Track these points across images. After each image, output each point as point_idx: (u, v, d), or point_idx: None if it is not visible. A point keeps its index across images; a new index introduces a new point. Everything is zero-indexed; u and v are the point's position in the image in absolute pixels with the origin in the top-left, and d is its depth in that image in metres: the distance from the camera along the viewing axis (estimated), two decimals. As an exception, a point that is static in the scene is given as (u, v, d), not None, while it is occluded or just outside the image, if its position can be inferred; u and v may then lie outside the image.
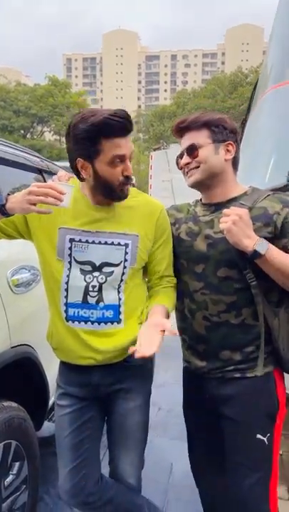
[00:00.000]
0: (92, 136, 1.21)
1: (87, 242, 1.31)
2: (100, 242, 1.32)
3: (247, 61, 75.63)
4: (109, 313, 1.34)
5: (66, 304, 1.34)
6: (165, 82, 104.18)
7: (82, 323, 1.34)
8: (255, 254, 1.21)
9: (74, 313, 1.34)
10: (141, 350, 1.15)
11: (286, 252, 1.26)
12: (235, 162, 1.39)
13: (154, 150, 12.18)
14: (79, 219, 1.32)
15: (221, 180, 1.37)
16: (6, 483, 1.53)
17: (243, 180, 2.56)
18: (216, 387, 1.38)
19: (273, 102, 2.24)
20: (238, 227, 1.22)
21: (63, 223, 1.32)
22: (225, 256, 1.31)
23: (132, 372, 1.40)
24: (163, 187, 10.59)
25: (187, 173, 1.39)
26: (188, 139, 1.37)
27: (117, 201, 1.33)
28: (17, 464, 1.59)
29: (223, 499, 1.46)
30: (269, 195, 1.33)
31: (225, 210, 1.27)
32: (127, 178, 1.28)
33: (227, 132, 1.36)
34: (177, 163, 1.44)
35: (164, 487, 2.18)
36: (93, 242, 1.31)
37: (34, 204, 1.17)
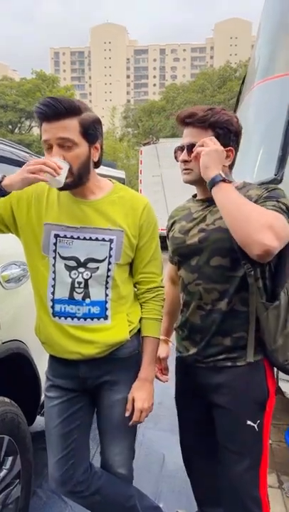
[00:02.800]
0: (39, 124, 1.26)
1: (72, 237, 1.32)
2: (84, 238, 1.32)
3: (236, 55, 75.59)
4: (95, 310, 1.35)
5: (53, 300, 1.35)
6: (154, 77, 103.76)
7: (69, 319, 1.35)
8: (216, 178, 1.24)
9: (60, 309, 1.35)
10: (135, 418, 1.39)
11: None
12: (232, 165, 1.41)
13: (144, 145, 12.10)
14: (63, 214, 1.33)
15: None
16: (-1, 477, 1.54)
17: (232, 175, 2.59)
18: (207, 376, 1.42)
19: (260, 96, 2.25)
20: (211, 155, 1.27)
21: (48, 219, 1.33)
22: (218, 245, 1.34)
23: (119, 364, 1.42)
24: (153, 182, 10.58)
25: (184, 169, 1.40)
26: (190, 135, 1.36)
27: (61, 190, 1.29)
28: (10, 458, 1.60)
29: (214, 487, 1.52)
30: (261, 185, 1.36)
31: (205, 139, 1.30)
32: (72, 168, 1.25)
33: (231, 136, 1.36)
34: (175, 155, 1.44)
35: (156, 478, 2.21)
36: (78, 238, 1.32)
37: (33, 173, 1.18)
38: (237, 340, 1.37)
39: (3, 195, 1.22)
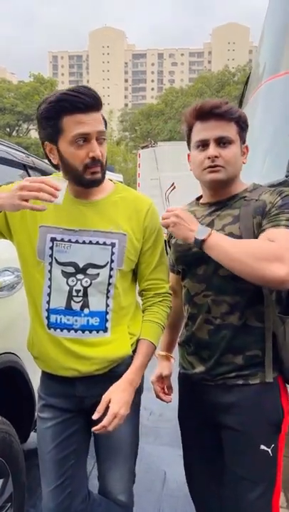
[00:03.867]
0: (52, 115, 1.14)
1: (69, 241, 1.20)
2: (83, 242, 1.20)
3: (233, 60, 76.10)
4: (94, 321, 1.23)
5: (48, 310, 1.23)
6: (152, 81, 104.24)
7: (65, 331, 1.22)
8: (196, 242, 1.17)
9: (56, 319, 1.22)
10: (104, 422, 1.16)
11: (262, 232, 1.19)
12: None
13: (142, 148, 12.04)
14: (61, 216, 1.21)
15: (234, 181, 1.29)
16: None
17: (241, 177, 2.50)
18: (216, 395, 1.29)
19: (267, 95, 2.17)
20: (178, 226, 1.20)
21: (44, 221, 1.21)
22: None
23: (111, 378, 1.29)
24: (151, 185, 10.50)
25: (212, 166, 1.24)
26: (218, 128, 1.22)
27: (90, 187, 1.21)
28: (1, 481, 1.48)
29: (218, 509, 1.39)
30: (274, 189, 1.25)
31: (164, 214, 1.26)
32: (94, 161, 1.16)
33: (246, 133, 1.29)
34: (194, 153, 1.30)
35: (157, 497, 2.09)
36: (76, 242, 1.20)
37: (26, 200, 1.06)
38: (250, 358, 1.24)
39: None
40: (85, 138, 1.13)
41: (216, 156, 1.22)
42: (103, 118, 1.20)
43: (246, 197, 1.25)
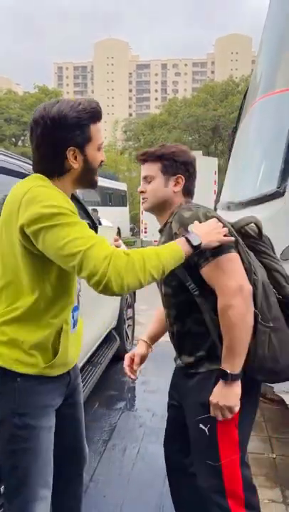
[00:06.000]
0: (84, 123, 1.24)
1: None
2: None
3: (236, 70, 76.53)
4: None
5: (73, 309, 1.38)
6: (156, 91, 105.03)
7: (76, 324, 1.43)
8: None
9: (74, 317, 1.40)
10: None
11: None
12: (186, 191, 1.52)
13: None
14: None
15: (170, 208, 1.50)
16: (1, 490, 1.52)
17: (234, 188, 2.61)
18: (179, 381, 1.56)
19: (262, 111, 2.29)
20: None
21: None
22: None
23: None
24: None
25: (142, 198, 1.56)
26: (144, 169, 1.54)
27: (93, 187, 1.37)
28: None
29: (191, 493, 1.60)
30: (177, 212, 1.43)
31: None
32: (101, 165, 1.33)
33: (177, 165, 1.49)
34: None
35: (159, 493, 2.18)
36: None
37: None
38: (199, 357, 1.43)
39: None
40: (101, 146, 1.31)
41: (142, 191, 1.53)
42: None
43: (170, 223, 1.44)
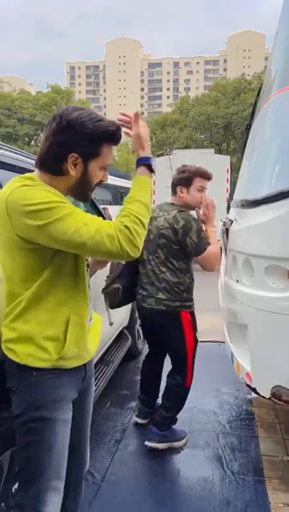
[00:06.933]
0: (99, 140, 1.27)
1: None
2: None
3: (249, 67, 75.91)
4: None
5: (88, 304, 1.42)
6: (168, 89, 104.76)
7: (91, 316, 1.47)
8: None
9: (91, 307, 1.46)
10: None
11: None
12: None
13: (158, 156, 12.17)
14: None
15: None
16: (14, 490, 1.52)
17: (248, 186, 2.57)
18: None
19: (277, 106, 2.24)
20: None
21: None
22: None
23: None
24: (166, 192, 10.50)
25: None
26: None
27: (85, 201, 1.43)
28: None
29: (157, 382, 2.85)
30: None
31: None
32: (100, 184, 1.37)
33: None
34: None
35: (171, 493, 2.15)
36: None
37: None
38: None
39: None
40: (106, 167, 1.34)
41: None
42: None
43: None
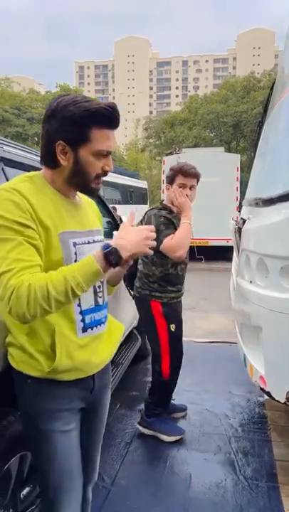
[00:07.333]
0: (84, 122, 1.17)
1: (83, 243, 1.26)
2: (93, 241, 1.30)
3: (258, 65, 75.38)
4: (106, 311, 1.38)
5: (82, 312, 1.25)
6: (176, 88, 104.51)
7: (99, 326, 1.31)
8: None
9: (91, 319, 1.28)
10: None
11: None
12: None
13: (167, 155, 12.09)
14: (70, 219, 1.25)
15: None
16: (22, 496, 1.49)
17: (262, 183, 2.50)
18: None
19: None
20: None
21: (62, 227, 1.21)
22: None
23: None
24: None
25: None
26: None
27: (91, 195, 1.33)
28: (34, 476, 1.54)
29: None
30: None
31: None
32: (105, 173, 1.25)
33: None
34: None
35: (182, 499, 2.10)
36: (88, 242, 1.28)
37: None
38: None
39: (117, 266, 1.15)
40: (108, 153, 1.22)
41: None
42: None
43: None
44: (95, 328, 1.29)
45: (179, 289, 2.61)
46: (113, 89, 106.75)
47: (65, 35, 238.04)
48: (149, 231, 1.21)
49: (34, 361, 1.20)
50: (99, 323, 1.31)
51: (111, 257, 1.12)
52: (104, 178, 1.29)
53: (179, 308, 2.66)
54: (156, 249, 2.39)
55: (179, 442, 2.59)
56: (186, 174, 2.47)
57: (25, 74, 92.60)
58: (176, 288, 2.57)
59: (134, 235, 1.18)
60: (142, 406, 3.01)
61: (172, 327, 2.54)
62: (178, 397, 3.02)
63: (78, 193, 1.34)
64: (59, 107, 1.18)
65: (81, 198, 1.36)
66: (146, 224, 2.51)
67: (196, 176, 2.49)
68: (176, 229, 2.41)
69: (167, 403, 2.72)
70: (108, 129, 1.20)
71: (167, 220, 2.43)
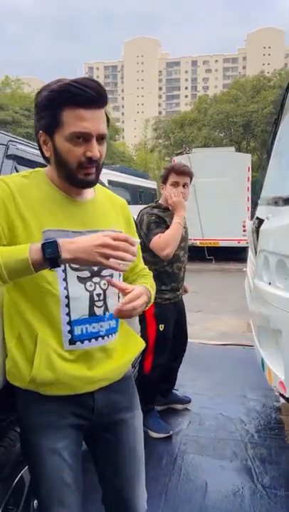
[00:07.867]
0: (53, 104, 1.05)
1: None
2: None
3: (269, 65, 74.89)
4: (113, 323, 1.20)
5: (70, 323, 1.11)
6: (186, 88, 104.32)
7: (93, 340, 1.15)
8: None
9: (82, 330, 1.13)
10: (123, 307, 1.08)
11: None
12: None
13: (177, 155, 12.02)
14: (61, 217, 1.12)
15: None
16: (35, 505, 1.43)
17: (280, 182, 2.43)
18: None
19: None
20: None
21: (48, 224, 1.09)
22: None
23: (128, 382, 1.31)
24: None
25: None
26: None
27: (82, 188, 1.15)
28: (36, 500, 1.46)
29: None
30: None
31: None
32: (90, 161, 1.08)
33: None
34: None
35: (198, 508, 2.03)
36: None
37: (107, 258, 1.00)
38: None
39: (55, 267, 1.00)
40: (85, 136, 1.06)
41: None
42: (106, 115, 1.12)
43: None
44: (87, 341, 1.13)
45: (175, 289, 2.61)
46: (122, 90, 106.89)
47: (75, 36, 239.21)
48: (109, 238, 1.00)
49: (16, 370, 1.12)
50: (94, 336, 1.15)
51: (48, 249, 0.97)
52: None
53: (174, 308, 2.66)
54: (148, 244, 2.44)
55: (192, 448, 2.52)
56: (178, 172, 2.49)
57: (36, 75, 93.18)
58: (170, 287, 2.58)
59: (86, 239, 1.01)
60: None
61: (161, 327, 2.59)
62: (193, 401, 2.97)
63: (101, 190, 1.26)
64: (37, 96, 1.10)
65: (103, 196, 1.26)
66: (139, 223, 2.49)
67: (188, 174, 2.51)
68: (168, 227, 2.43)
69: (152, 399, 2.71)
70: (82, 108, 1.04)
71: (159, 219, 2.47)
